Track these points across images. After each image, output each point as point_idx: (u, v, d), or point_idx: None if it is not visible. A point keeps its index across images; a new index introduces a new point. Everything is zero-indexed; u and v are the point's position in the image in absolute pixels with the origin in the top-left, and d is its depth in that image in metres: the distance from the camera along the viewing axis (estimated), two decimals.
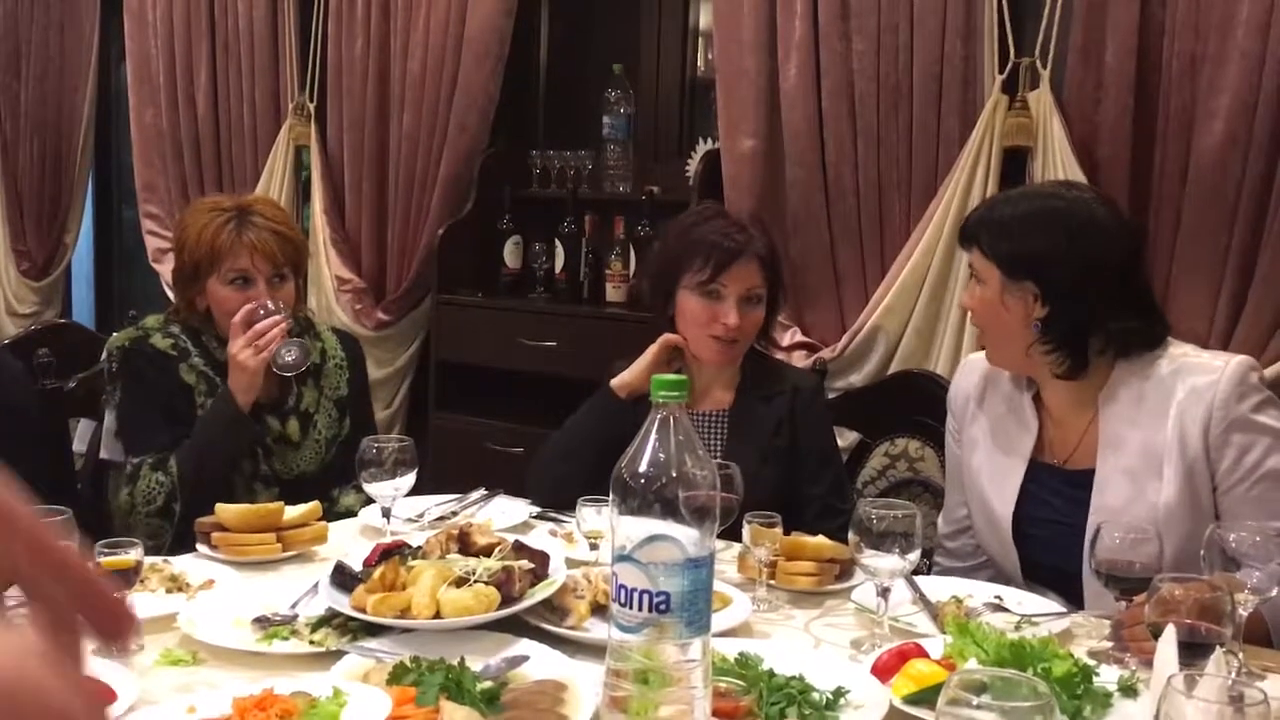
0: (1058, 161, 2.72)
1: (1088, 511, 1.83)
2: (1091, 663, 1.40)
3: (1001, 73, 2.81)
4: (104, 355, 2.35)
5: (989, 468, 1.99)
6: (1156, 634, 1.34)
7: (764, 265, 2.22)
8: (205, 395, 2.27)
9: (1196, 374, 1.81)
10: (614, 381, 2.27)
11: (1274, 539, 1.48)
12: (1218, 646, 1.31)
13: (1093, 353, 1.86)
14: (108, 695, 1.30)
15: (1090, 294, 1.83)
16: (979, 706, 0.95)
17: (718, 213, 2.36)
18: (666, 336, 2.26)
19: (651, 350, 2.27)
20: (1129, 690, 1.39)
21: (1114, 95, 2.67)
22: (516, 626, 1.54)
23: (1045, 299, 1.84)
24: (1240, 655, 1.43)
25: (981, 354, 2.10)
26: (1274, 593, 1.48)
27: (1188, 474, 1.79)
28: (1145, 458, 1.82)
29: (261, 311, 2.23)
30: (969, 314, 2.04)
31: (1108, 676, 1.41)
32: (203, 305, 2.32)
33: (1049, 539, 1.90)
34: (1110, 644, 1.57)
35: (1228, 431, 1.78)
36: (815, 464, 2.26)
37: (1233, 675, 1.29)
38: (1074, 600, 1.80)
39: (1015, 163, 2.83)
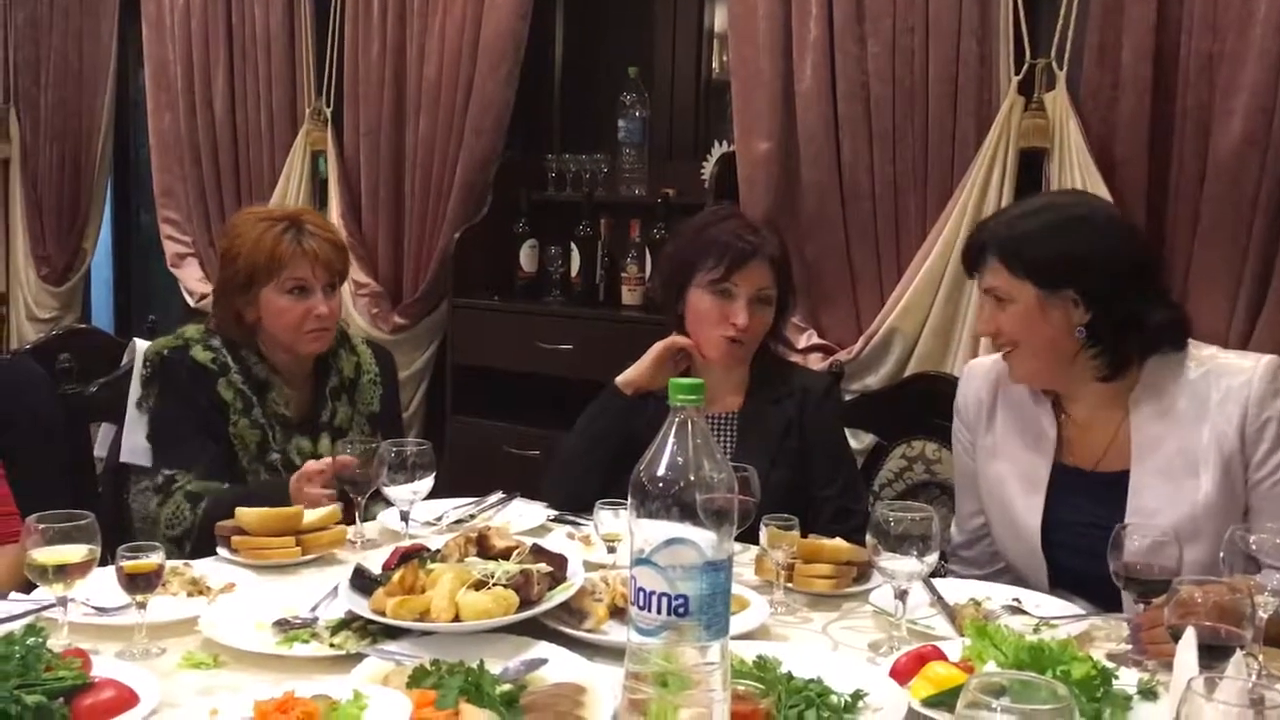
0: (1074, 162, 2.71)
1: (1123, 514, 1.83)
2: (1111, 665, 1.40)
3: (1017, 74, 2.80)
4: (141, 361, 2.35)
5: (1011, 475, 1.98)
6: (1176, 636, 1.34)
7: (775, 267, 2.23)
8: (240, 414, 2.27)
9: (1229, 375, 1.84)
10: (619, 379, 2.28)
11: None
12: (1238, 649, 1.30)
13: (1131, 350, 1.88)
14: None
15: (1127, 291, 1.85)
16: (998, 709, 0.95)
17: (732, 214, 2.40)
18: (672, 339, 2.27)
19: (655, 348, 2.27)
20: (1148, 693, 1.39)
21: (1131, 95, 2.65)
22: (535, 629, 1.55)
23: (1087, 303, 1.85)
24: (1260, 658, 1.42)
25: (986, 360, 2.10)
26: None
27: (1225, 470, 1.81)
28: (1182, 459, 1.84)
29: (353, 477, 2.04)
30: (993, 338, 2.00)
31: (1127, 679, 1.40)
32: (251, 316, 2.31)
33: (1080, 544, 1.88)
34: (1129, 647, 1.56)
35: (1263, 428, 1.81)
36: (826, 466, 2.26)
37: (1253, 678, 1.28)
38: (1106, 604, 1.77)
39: (1031, 164, 2.82)
